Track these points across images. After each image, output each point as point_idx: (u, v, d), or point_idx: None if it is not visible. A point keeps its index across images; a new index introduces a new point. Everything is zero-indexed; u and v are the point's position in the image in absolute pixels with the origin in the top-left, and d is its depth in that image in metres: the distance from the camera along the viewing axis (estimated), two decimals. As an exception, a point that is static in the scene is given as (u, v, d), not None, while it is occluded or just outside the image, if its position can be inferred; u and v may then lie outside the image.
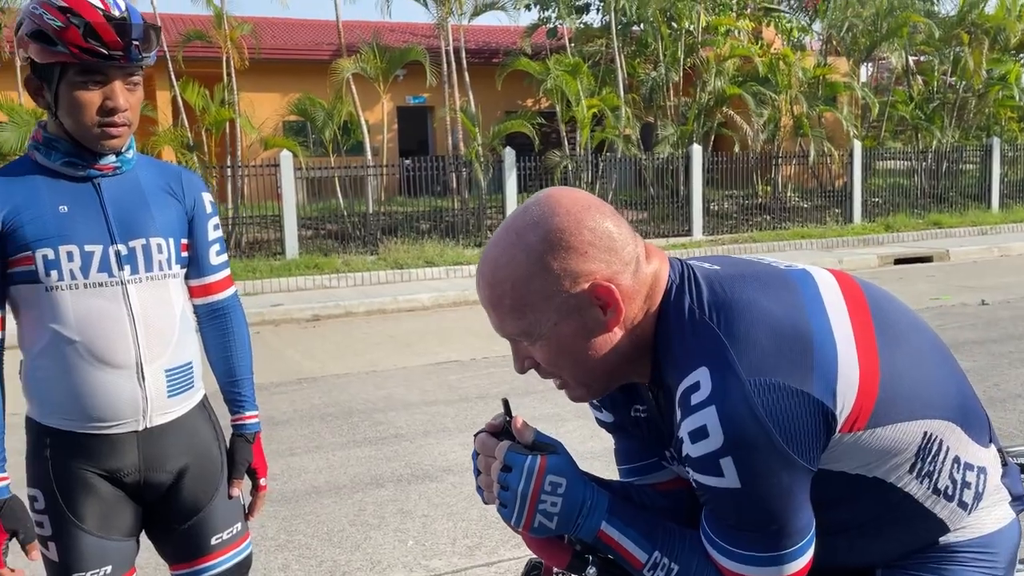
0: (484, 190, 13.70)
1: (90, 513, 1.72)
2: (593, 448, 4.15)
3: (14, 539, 1.67)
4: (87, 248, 1.67)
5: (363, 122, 14.02)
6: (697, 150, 14.61)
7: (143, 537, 1.89)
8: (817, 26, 17.92)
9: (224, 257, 1.92)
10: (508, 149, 13.56)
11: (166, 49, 12.78)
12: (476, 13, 14.99)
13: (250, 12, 15.73)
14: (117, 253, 1.70)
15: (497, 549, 3.38)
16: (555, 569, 1.29)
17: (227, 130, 13.20)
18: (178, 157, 12.35)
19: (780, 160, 16.27)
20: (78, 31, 1.58)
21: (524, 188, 14.07)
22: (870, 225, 15.44)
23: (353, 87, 13.74)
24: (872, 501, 1.13)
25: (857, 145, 15.96)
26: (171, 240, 1.77)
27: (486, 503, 1.17)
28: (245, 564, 1.91)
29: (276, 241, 12.52)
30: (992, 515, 1.18)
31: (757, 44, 16.81)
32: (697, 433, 1.02)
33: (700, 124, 15.61)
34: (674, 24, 15.79)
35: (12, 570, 1.67)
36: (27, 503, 1.72)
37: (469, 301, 10.20)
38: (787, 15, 17.93)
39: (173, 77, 12.69)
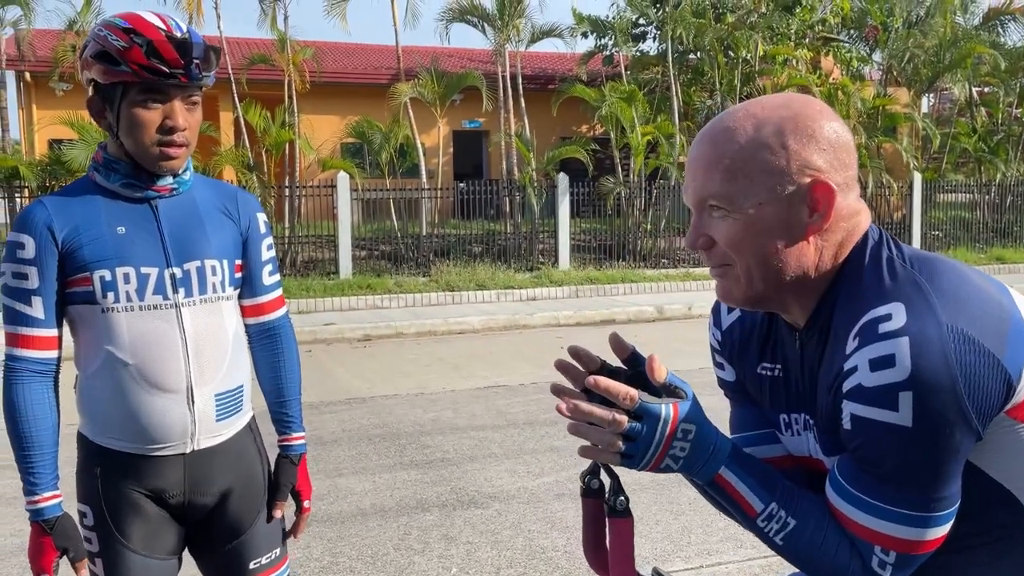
0: (537, 214, 13.75)
1: (136, 532, 1.75)
2: (639, 474, 4.10)
3: (64, 556, 1.69)
4: (143, 270, 1.69)
5: (419, 145, 14.21)
6: (752, 179, 14.46)
7: (186, 554, 1.91)
8: (878, 56, 17.66)
9: (276, 277, 1.93)
10: (562, 174, 13.61)
11: (230, 71, 13.18)
12: (533, 40, 15.14)
13: (313, 36, 16.12)
14: (172, 276, 1.72)
15: (541, 580, 3.36)
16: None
17: (287, 151, 13.50)
18: (238, 177, 12.67)
19: (837, 191, 16.01)
20: (140, 50, 1.61)
21: (577, 213, 14.09)
22: (930, 259, 15.06)
23: (410, 111, 13.96)
24: (992, 521, 1.08)
25: (917, 177, 15.64)
26: (225, 262, 1.79)
27: (587, 439, 1.07)
28: None
29: (331, 261, 12.73)
30: None
31: (815, 74, 16.64)
32: (881, 361, 0.98)
33: (756, 153, 15.45)
34: (731, 53, 15.72)
35: None
36: (77, 518, 1.76)
37: (519, 325, 10.23)
38: (847, 45, 17.72)
39: (236, 99, 13.04)
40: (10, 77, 14.28)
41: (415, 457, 5.03)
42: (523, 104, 14.89)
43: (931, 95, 19.49)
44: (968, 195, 17.30)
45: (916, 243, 15.51)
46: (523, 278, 12.61)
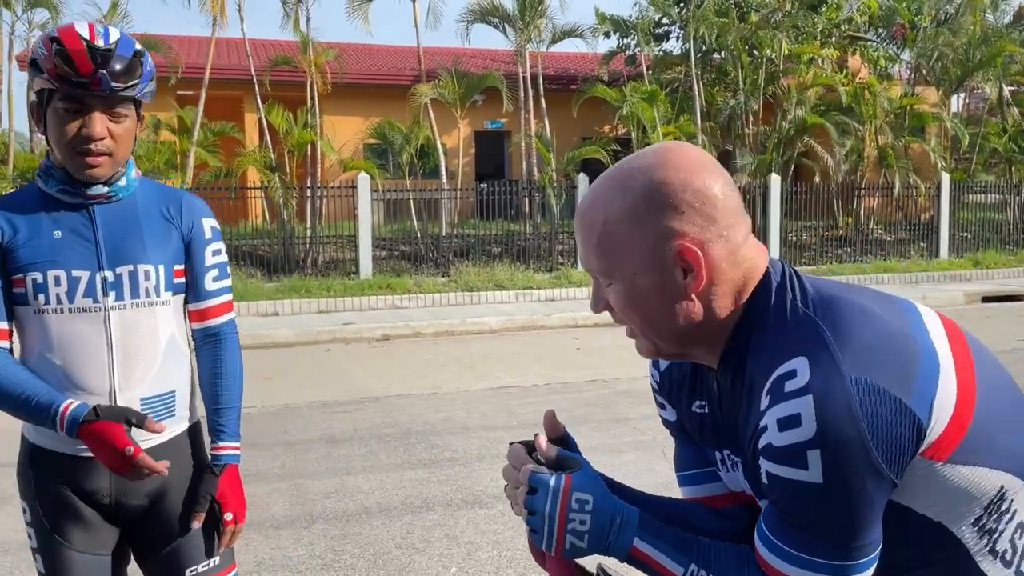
0: (557, 215, 13.74)
1: (70, 529, 1.76)
2: (647, 481, 4.08)
3: (130, 426, 1.68)
4: (75, 273, 1.71)
5: (439, 146, 14.25)
6: (775, 179, 14.34)
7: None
8: (906, 55, 17.42)
9: (225, 283, 1.90)
10: (581, 175, 13.57)
11: (253, 73, 13.30)
12: (554, 40, 15.13)
13: (335, 38, 16.22)
14: (103, 279, 1.73)
15: (540, 581, 3.34)
16: None
17: (308, 152, 13.60)
18: (261, 177, 12.79)
19: (863, 191, 15.83)
20: (54, 58, 1.62)
21: (597, 214, 14.03)
22: (957, 260, 14.84)
23: (431, 112, 14.00)
24: (928, 548, 1.07)
25: (945, 177, 15.40)
26: (161, 267, 1.78)
27: (517, 514, 1.14)
28: None
29: (351, 261, 12.80)
30: None
31: (842, 73, 16.45)
32: (788, 421, 0.98)
33: (779, 153, 15.32)
34: (755, 52, 15.59)
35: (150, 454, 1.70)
36: (23, 512, 1.79)
37: (536, 326, 10.22)
38: (874, 44, 17.50)
39: (259, 100, 13.16)
40: (39, 79, 14.54)
41: (423, 456, 5.03)
42: (544, 104, 14.88)
43: (962, 94, 19.19)
44: (998, 196, 16.99)
45: (944, 245, 15.29)
46: (542, 279, 12.59)
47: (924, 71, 16.86)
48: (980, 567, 1.08)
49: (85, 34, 1.64)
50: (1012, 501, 1.06)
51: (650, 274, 1.07)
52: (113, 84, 1.64)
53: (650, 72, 16.29)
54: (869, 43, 17.50)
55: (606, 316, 1.19)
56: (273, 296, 11.09)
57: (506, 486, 1.15)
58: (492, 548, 3.70)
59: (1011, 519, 1.07)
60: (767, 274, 1.10)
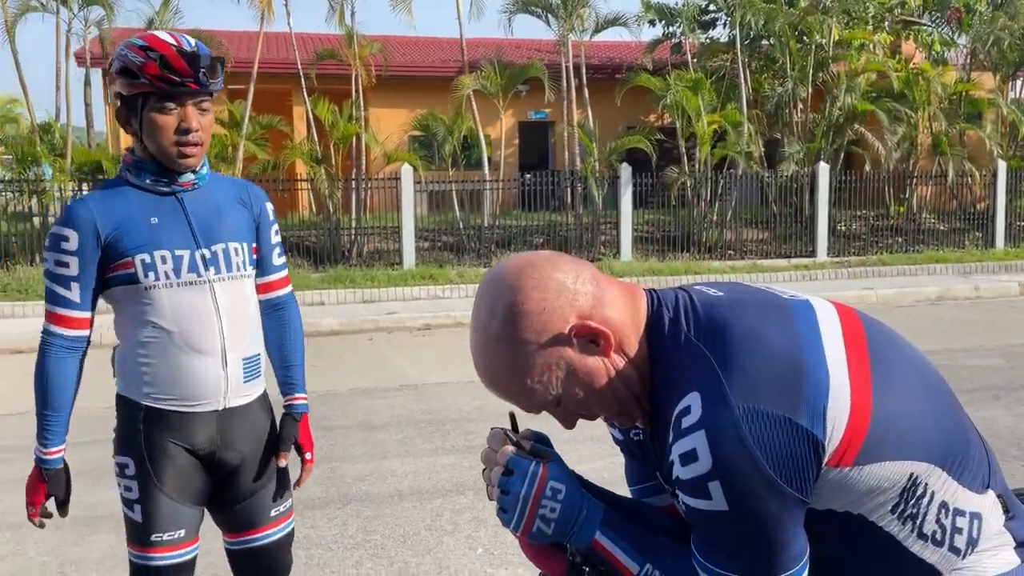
0: (599, 205, 13.70)
1: (171, 480, 1.99)
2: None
3: (51, 500, 2.02)
4: (177, 252, 1.94)
5: (482, 137, 14.31)
6: (824, 168, 14.09)
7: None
8: (962, 39, 16.92)
9: (283, 259, 2.19)
10: (624, 165, 13.51)
11: (299, 67, 13.52)
12: (598, 29, 15.06)
13: (379, 31, 16.35)
14: (202, 256, 1.97)
15: (564, 563, 3.39)
16: None
17: (354, 144, 13.78)
18: (307, 169, 13.01)
19: (915, 180, 15.45)
20: (155, 63, 1.85)
21: (642, 203, 13.98)
22: (1013, 250, 14.42)
23: (474, 103, 14.06)
24: (857, 540, 1.11)
25: (1001, 165, 14.95)
26: (244, 244, 2.05)
27: (490, 499, 1.21)
28: (289, 536, 2.19)
29: (395, 251, 12.96)
30: (995, 559, 1.13)
31: (894, 58, 16.05)
32: (687, 456, 1.04)
33: (829, 141, 15.04)
34: (804, 38, 15.31)
35: (42, 521, 2.06)
36: (117, 470, 2.02)
37: (577, 316, 10.25)
38: (928, 28, 17.03)
39: (306, 94, 13.37)
40: (96, 75, 14.97)
41: (457, 442, 5.11)
42: (587, 94, 14.83)
43: (1020, 80, 18.57)
44: (1058, 184, 16.43)
45: (1000, 235, 14.86)
46: (585, 269, 12.58)
47: (980, 56, 16.36)
48: (911, 551, 1.10)
49: (172, 41, 1.88)
50: (926, 485, 1.08)
51: (573, 367, 1.11)
52: (206, 82, 1.89)
53: (695, 60, 16.11)
54: (923, 27, 17.03)
55: None
56: (319, 286, 11.30)
57: (484, 469, 1.21)
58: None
59: (930, 501, 1.09)
60: (658, 309, 1.15)
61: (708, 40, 17.20)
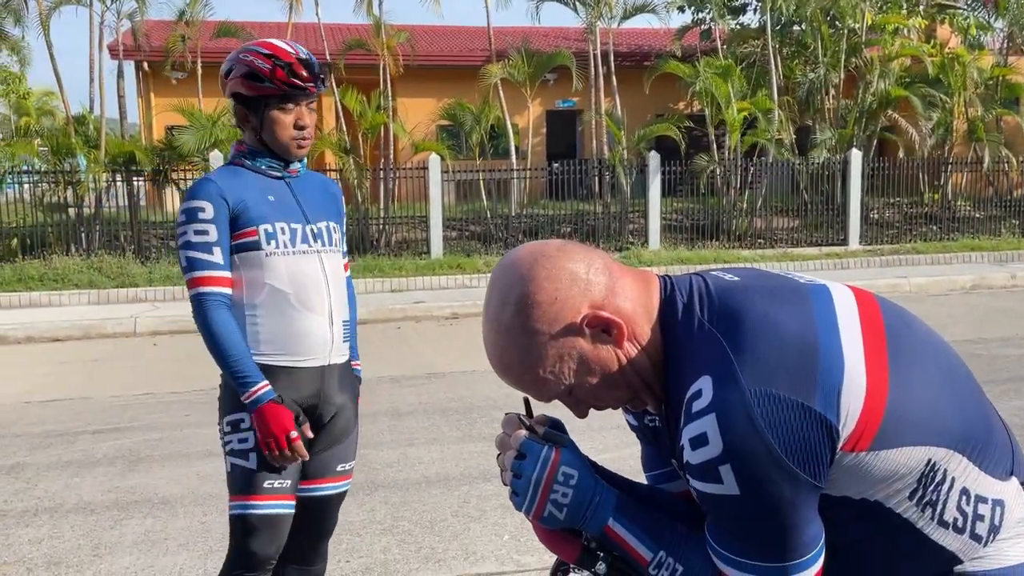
0: (628, 194, 13.64)
1: None
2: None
3: (298, 421, 2.14)
4: (292, 225, 2.22)
5: (509, 126, 14.30)
6: (856, 155, 13.89)
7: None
8: (999, 23, 16.55)
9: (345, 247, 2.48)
10: (653, 153, 13.43)
11: (328, 57, 13.58)
12: (626, 16, 14.94)
13: (406, 20, 16.37)
14: (311, 230, 2.26)
15: (590, 551, 3.40)
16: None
17: (382, 134, 13.83)
18: (336, 160, 13.09)
19: (951, 166, 15.18)
20: (283, 71, 2.14)
21: (671, 192, 13.89)
22: (1052, 238, 14.11)
23: (501, 92, 14.05)
24: (874, 526, 1.10)
25: (1040, 151, 14.63)
26: (337, 225, 2.35)
27: (504, 483, 1.22)
28: (343, 496, 2.40)
29: (423, 241, 13.01)
30: (1018, 547, 1.11)
31: (929, 43, 15.75)
32: (697, 440, 1.03)
33: (861, 128, 14.82)
34: (836, 23, 15.07)
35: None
36: (229, 428, 2.19)
37: (605, 305, 10.22)
38: (964, 12, 16.68)
39: (334, 84, 13.44)
40: (128, 67, 15.16)
41: (484, 430, 5.14)
42: (615, 82, 14.74)
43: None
44: (1099, 170, 16.04)
45: (1038, 222, 14.54)
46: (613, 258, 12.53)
47: (1017, 40, 15.99)
48: (931, 538, 1.09)
49: (291, 50, 2.17)
50: (945, 471, 1.07)
51: (585, 357, 1.12)
52: (321, 88, 2.21)
53: (725, 47, 15.93)
54: (959, 11, 16.68)
55: None
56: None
57: (499, 455, 1.21)
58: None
59: (951, 488, 1.08)
60: (671, 295, 1.14)
61: (738, 26, 17.00)
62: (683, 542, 1.13)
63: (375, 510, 3.93)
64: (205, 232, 2.13)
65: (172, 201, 12.82)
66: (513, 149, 14.31)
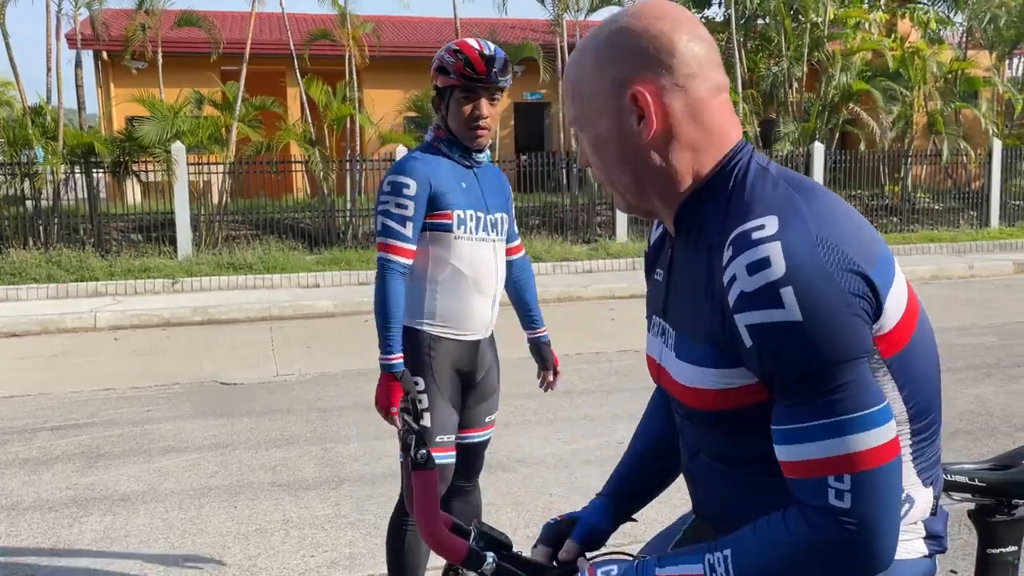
0: (595, 187, 13.67)
1: (448, 391, 2.49)
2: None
3: (406, 397, 2.40)
4: (477, 214, 2.47)
5: (477, 118, 14.23)
6: (819, 148, 14.06)
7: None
8: (958, 18, 16.85)
9: (516, 229, 2.75)
10: (620, 145, 13.46)
11: (292, 47, 13.42)
12: (592, 8, 14.95)
13: (372, 11, 16.23)
14: (491, 220, 2.51)
15: (556, 541, 3.41)
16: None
17: (348, 125, 13.71)
18: (302, 151, 12.96)
19: (911, 159, 15.44)
20: (461, 63, 2.35)
21: (636, 185, 13.93)
22: (1008, 229, 14.43)
23: (468, 83, 13.96)
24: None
25: (996, 144, 14.93)
26: (506, 216, 2.60)
27: None
28: (489, 441, 2.74)
29: (390, 233, 12.88)
30: (905, 545, 1.11)
31: (890, 37, 15.98)
32: (757, 264, 0.97)
33: (824, 121, 15.01)
34: (800, 17, 15.23)
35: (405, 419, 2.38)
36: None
37: (573, 297, 10.24)
38: (924, 6, 16.95)
39: (299, 75, 13.29)
40: (87, 57, 14.87)
41: (451, 422, 5.12)
42: (582, 74, 14.73)
43: (1021, 58, 18.51)
44: (1054, 163, 16.41)
45: (995, 214, 14.87)
46: (580, 250, 12.58)
47: (976, 34, 16.32)
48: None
49: (477, 47, 2.37)
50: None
51: (609, 120, 1.11)
52: (496, 80, 2.36)
53: (691, 40, 15.99)
54: (919, 6, 16.95)
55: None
56: (314, 268, 11.28)
57: None
58: (511, 509, 3.78)
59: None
60: (737, 150, 1.12)
61: (703, 19, 17.10)
62: (721, 538, 1.07)
63: (340, 504, 3.91)
64: (405, 207, 2.36)
65: (133, 193, 12.61)
66: (480, 141, 14.25)
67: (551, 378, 2.86)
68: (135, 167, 12.18)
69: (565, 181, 14.11)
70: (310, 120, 13.36)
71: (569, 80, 1.16)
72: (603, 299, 10.18)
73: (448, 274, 2.43)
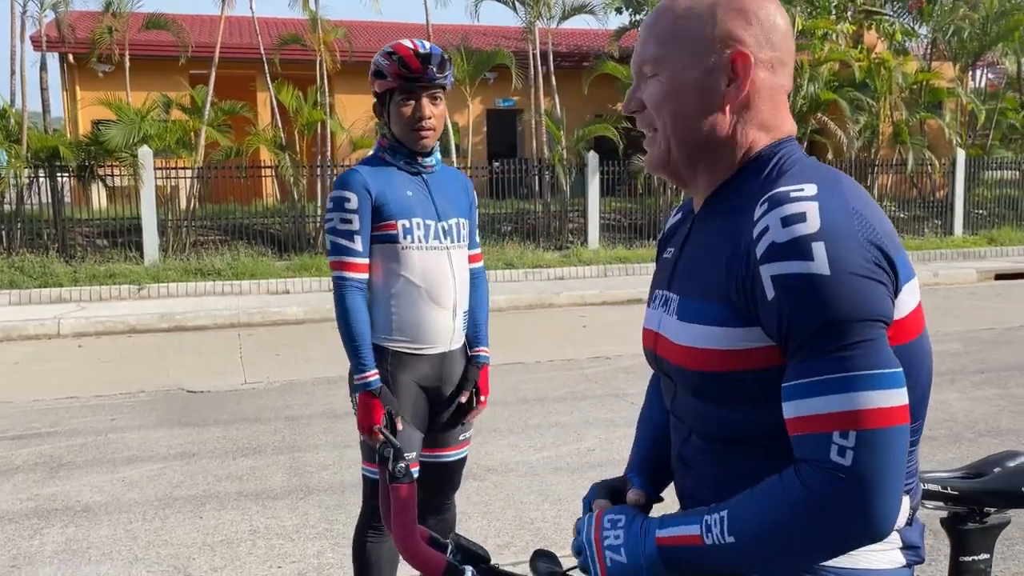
0: (567, 194, 13.71)
1: (409, 409, 2.39)
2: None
3: (388, 415, 2.18)
4: (426, 222, 2.38)
5: (449, 124, 14.22)
6: (787, 157, 14.20)
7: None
8: (923, 29, 17.15)
9: (477, 238, 2.62)
10: (591, 153, 13.52)
11: (262, 52, 13.32)
12: (564, 17, 15.02)
13: (344, 16, 16.14)
14: (442, 227, 2.41)
15: (527, 549, 3.40)
16: None
17: (319, 131, 13.62)
18: (271, 156, 12.84)
19: (877, 168, 15.67)
20: (396, 64, 2.29)
21: (609, 192, 14.00)
22: (972, 238, 14.69)
23: (440, 90, 13.94)
24: (777, 443, 1.05)
25: (960, 153, 15.21)
26: (466, 221, 2.49)
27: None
28: (465, 460, 2.63)
29: (361, 239, 12.81)
30: (881, 556, 1.10)
31: (857, 48, 16.23)
32: (793, 218, 0.98)
33: (792, 130, 15.16)
34: (768, 27, 15.39)
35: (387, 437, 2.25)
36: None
37: (545, 304, 10.24)
38: (890, 18, 17.23)
39: (269, 79, 13.18)
40: (52, 59, 14.62)
41: (422, 430, 5.08)
42: (554, 82, 14.80)
43: (984, 70, 18.88)
44: (1015, 172, 16.77)
45: (959, 223, 15.12)
46: (552, 257, 12.59)
47: (941, 46, 16.61)
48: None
49: (411, 46, 2.30)
50: None
51: (700, 71, 1.10)
52: (435, 76, 2.29)
53: (662, 49, 16.11)
54: (885, 17, 17.23)
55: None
56: (283, 274, 11.18)
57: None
58: (482, 518, 3.76)
59: None
60: (789, 140, 1.14)
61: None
62: (724, 506, 1.05)
63: (308, 514, 3.86)
64: (350, 221, 2.31)
65: (98, 198, 12.41)
66: (453, 147, 14.25)
67: (463, 398, 2.50)
68: (101, 171, 11.99)
69: (537, 188, 14.12)
70: (280, 125, 13.25)
71: (670, 15, 1.13)
72: (575, 306, 10.20)
73: (400, 286, 2.36)
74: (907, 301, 1.03)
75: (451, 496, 2.67)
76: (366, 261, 2.33)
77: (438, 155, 2.45)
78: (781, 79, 1.13)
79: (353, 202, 2.30)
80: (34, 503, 4.07)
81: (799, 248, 0.97)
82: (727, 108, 1.11)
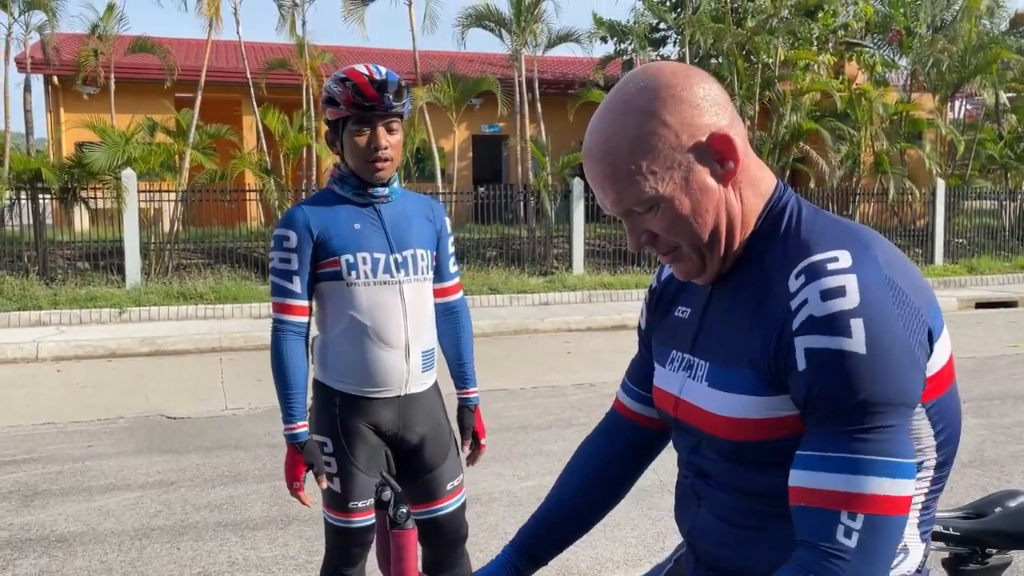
0: (552, 219, 13.75)
1: (362, 456, 2.25)
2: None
3: (310, 471, 2.21)
4: (375, 255, 2.23)
5: (435, 149, 14.27)
6: (770, 185, 14.33)
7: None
8: (903, 61, 17.43)
9: (457, 268, 2.49)
10: (576, 179, 13.59)
11: (249, 76, 13.34)
12: (550, 45, 15.15)
13: (331, 41, 16.22)
14: (395, 260, 2.25)
15: (510, 583, 3.35)
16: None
17: (304, 155, 13.62)
18: (256, 180, 12.81)
19: (858, 197, 15.83)
20: (350, 91, 2.14)
21: (594, 218, 14.05)
22: (952, 267, 14.84)
23: (427, 115, 14.02)
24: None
25: (940, 183, 15.40)
26: (428, 252, 2.33)
27: None
28: (464, 507, 2.44)
29: (345, 264, 12.78)
30: None
31: (838, 79, 16.47)
32: (832, 292, 0.98)
33: (775, 159, 15.33)
34: (752, 58, 15.62)
35: (308, 497, 2.23)
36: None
37: (529, 330, 10.23)
38: (870, 50, 17.51)
39: (255, 103, 13.19)
40: (36, 81, 14.57)
41: (405, 459, 5.04)
42: (540, 109, 14.90)
43: (963, 101, 19.19)
44: (994, 202, 17.00)
45: (939, 251, 15.28)
46: (536, 282, 12.60)
47: (920, 77, 16.88)
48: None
49: (366, 72, 2.16)
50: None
51: (692, 175, 1.07)
52: (391, 104, 2.16)
53: (646, 77, 16.27)
54: (865, 49, 17.51)
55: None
56: (267, 298, 11.08)
57: None
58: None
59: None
60: (780, 189, 1.14)
61: (659, 57, 17.44)
62: None
63: (288, 545, 3.80)
64: (288, 260, 2.21)
65: (81, 220, 12.33)
66: (439, 172, 14.29)
67: (466, 449, 2.48)
68: (84, 193, 11.92)
69: (522, 213, 14.16)
70: (266, 148, 13.25)
71: (618, 161, 1.08)
72: (559, 331, 10.19)
73: (345, 325, 2.21)
74: (941, 353, 1.04)
75: (460, 546, 2.46)
76: (305, 303, 2.22)
77: (396, 184, 2.31)
78: (740, 129, 1.11)
79: (292, 241, 2.19)
80: (7, 533, 3.98)
81: (838, 324, 0.97)
82: (729, 186, 1.10)
